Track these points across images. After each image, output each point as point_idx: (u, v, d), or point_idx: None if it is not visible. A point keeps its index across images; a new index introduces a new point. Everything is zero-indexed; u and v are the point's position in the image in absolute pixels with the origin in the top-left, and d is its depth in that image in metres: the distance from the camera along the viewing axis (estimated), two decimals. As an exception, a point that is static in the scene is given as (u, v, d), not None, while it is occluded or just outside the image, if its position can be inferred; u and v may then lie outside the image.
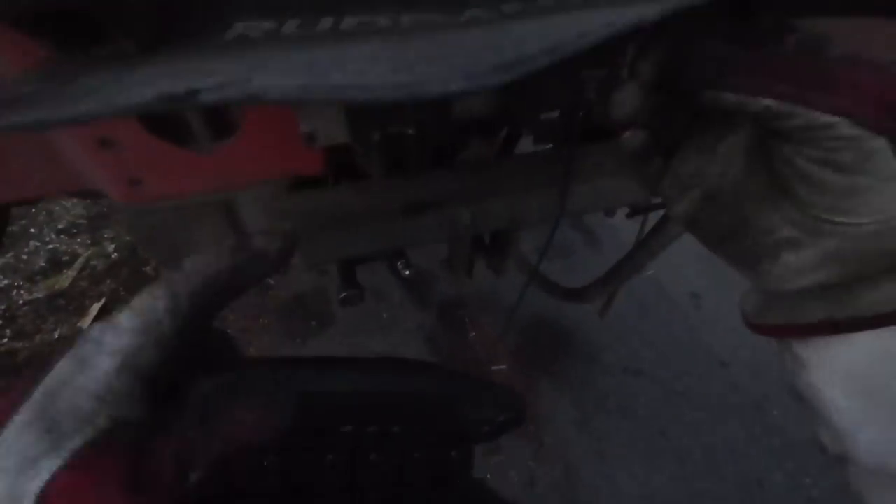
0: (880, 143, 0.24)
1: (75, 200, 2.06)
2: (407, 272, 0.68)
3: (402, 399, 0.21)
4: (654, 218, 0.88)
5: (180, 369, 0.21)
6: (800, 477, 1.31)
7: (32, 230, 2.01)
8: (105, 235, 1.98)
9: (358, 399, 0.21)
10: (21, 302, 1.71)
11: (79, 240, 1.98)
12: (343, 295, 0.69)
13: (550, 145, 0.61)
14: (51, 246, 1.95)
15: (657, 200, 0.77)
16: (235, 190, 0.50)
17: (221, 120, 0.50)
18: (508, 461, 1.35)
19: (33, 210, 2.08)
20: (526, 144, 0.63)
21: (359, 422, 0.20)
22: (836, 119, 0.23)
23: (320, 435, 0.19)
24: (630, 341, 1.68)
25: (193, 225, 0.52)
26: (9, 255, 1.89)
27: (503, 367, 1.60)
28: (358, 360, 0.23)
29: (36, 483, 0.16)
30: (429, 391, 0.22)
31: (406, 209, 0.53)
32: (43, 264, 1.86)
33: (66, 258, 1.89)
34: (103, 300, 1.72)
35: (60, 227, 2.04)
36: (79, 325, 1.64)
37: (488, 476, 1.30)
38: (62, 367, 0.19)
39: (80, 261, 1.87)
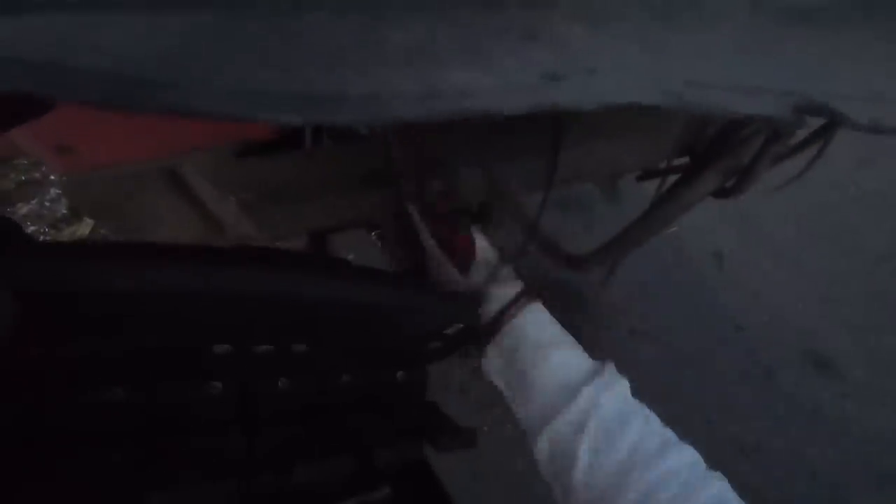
0: None
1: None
2: (380, 244, 0.64)
3: (310, 310, 0.17)
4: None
5: None
6: (803, 446, 1.29)
7: (52, 177, 2.06)
8: (120, 183, 2.01)
9: (233, 310, 0.16)
10: (48, 248, 1.81)
11: (96, 187, 2.02)
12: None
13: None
14: (64, 194, 2.01)
15: (674, 162, 0.67)
16: (177, 158, 0.46)
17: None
18: (507, 414, 1.38)
19: (52, 156, 2.12)
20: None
21: (240, 340, 0.16)
22: None
23: (180, 358, 0.16)
24: (642, 301, 1.62)
25: (140, 196, 0.48)
26: (33, 202, 1.96)
27: (507, 323, 1.60)
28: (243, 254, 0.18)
29: None
30: (349, 299, 0.18)
31: (367, 179, 0.47)
32: (64, 211, 1.92)
33: (85, 205, 1.95)
34: (122, 247, 1.79)
35: (78, 174, 2.08)
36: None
37: (485, 429, 1.35)
38: None
39: (99, 208, 1.92)
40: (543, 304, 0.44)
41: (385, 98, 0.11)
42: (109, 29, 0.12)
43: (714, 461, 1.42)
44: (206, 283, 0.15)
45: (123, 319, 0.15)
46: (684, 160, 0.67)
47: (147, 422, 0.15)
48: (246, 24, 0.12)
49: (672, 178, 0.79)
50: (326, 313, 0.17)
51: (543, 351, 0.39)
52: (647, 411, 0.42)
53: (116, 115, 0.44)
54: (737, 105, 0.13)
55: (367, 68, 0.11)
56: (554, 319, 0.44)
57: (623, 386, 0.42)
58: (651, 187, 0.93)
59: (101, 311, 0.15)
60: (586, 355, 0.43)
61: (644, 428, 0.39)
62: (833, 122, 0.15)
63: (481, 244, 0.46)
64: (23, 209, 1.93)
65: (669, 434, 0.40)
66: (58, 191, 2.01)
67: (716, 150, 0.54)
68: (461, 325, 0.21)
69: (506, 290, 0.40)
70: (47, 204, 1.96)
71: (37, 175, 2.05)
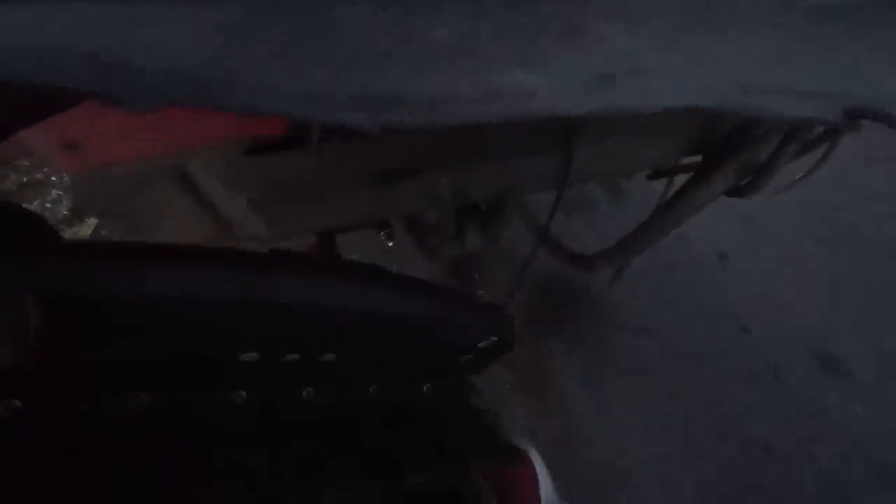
0: None
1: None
2: (390, 244, 0.64)
3: (343, 319, 0.17)
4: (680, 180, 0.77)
5: None
6: (810, 444, 1.28)
7: (54, 178, 2.06)
8: (121, 184, 2.00)
9: (259, 316, 0.16)
10: (50, 249, 1.80)
11: (97, 188, 2.01)
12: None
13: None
14: (72, 194, 2.00)
15: (683, 161, 0.66)
16: (185, 155, 0.45)
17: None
18: (508, 414, 1.37)
19: (53, 157, 2.11)
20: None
21: (270, 348, 0.16)
22: None
23: (207, 365, 0.15)
24: (648, 301, 1.61)
25: (148, 194, 0.47)
26: (35, 203, 1.95)
27: (512, 323, 1.59)
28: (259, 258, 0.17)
29: None
30: (383, 309, 0.17)
31: (378, 177, 0.47)
32: (66, 212, 1.92)
33: (87, 206, 1.94)
34: (124, 248, 1.78)
35: (79, 174, 2.07)
36: (104, 271, 1.71)
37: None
38: None
39: (100, 209, 1.91)
40: None
41: (446, 100, 0.10)
42: (155, 25, 0.11)
43: (721, 461, 1.42)
44: (238, 291, 0.14)
45: (150, 325, 0.14)
46: (695, 158, 0.67)
47: (170, 429, 0.15)
48: (280, 17, 0.12)
49: (680, 177, 0.78)
50: (360, 322, 0.16)
51: None
52: None
53: (117, 111, 0.43)
54: (790, 109, 0.12)
55: (422, 68, 0.10)
56: None
57: None
58: (655, 187, 0.93)
59: (129, 316, 0.14)
60: None
61: None
62: (889, 126, 0.15)
63: (547, 492, 0.39)
64: (24, 210, 1.93)
65: None
66: (59, 192, 2.00)
67: (731, 148, 0.54)
68: (495, 339, 0.20)
69: None
70: (48, 205, 1.95)
71: (38, 176, 2.04)
